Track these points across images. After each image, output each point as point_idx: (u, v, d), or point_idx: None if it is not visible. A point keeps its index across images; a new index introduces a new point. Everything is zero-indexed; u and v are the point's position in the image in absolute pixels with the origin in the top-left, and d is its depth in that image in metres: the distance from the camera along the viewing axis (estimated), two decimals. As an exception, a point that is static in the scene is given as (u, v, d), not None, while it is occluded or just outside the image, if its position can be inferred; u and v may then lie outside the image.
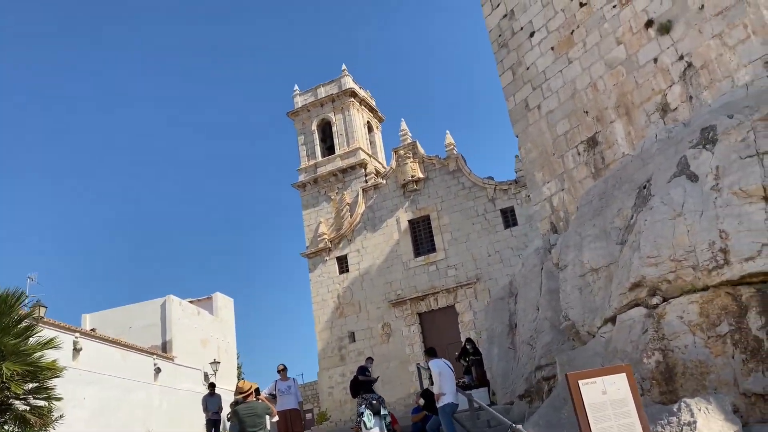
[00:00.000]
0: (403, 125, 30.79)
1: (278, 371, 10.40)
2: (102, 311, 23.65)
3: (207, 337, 25.61)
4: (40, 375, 10.10)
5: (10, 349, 9.65)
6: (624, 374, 4.42)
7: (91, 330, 19.23)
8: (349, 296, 29.50)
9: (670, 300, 6.52)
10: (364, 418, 9.44)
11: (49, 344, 10.48)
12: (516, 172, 27.76)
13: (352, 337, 28.94)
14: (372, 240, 29.79)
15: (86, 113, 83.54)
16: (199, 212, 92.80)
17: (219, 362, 24.73)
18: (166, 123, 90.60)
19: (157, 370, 21.13)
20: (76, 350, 17.66)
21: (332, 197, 31.60)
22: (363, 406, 9.80)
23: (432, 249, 28.52)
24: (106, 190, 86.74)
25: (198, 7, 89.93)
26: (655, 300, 6.66)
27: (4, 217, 72.96)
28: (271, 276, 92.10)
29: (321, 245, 30.54)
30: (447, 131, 29.75)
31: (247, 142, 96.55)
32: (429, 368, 8.67)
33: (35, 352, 10.19)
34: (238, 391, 8.10)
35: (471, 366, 14.45)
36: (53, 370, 10.40)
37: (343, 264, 30.21)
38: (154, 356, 21.28)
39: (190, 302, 25.77)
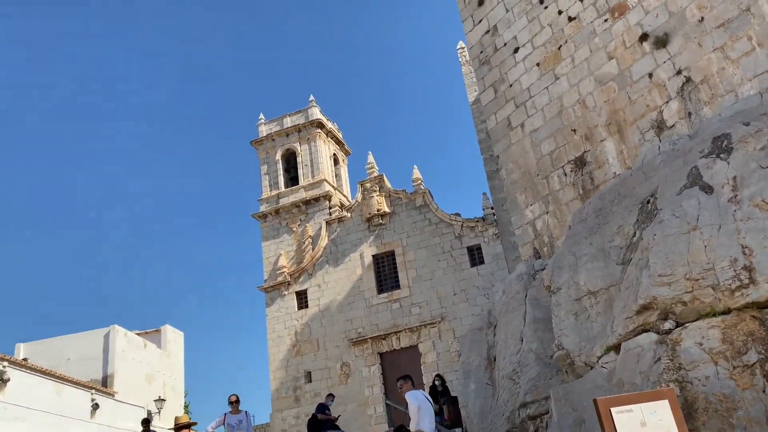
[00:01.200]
0: (370, 158, 30.15)
1: (229, 402, 9.15)
2: (38, 341, 21.79)
3: (153, 373, 23.84)
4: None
5: None
6: (666, 401, 3.57)
7: (23, 360, 17.46)
8: (307, 333, 28.14)
9: (686, 324, 5.73)
10: None
11: None
12: (483, 209, 27.27)
13: (308, 377, 27.46)
14: (334, 275, 28.66)
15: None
16: (151, 239, 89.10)
17: (164, 400, 22.97)
18: (134, 142, 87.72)
19: (95, 407, 19.33)
20: (3, 381, 15.90)
21: (294, 229, 30.48)
22: None
23: (396, 285, 27.54)
24: (59, 208, 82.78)
25: (164, 29, 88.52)
26: (667, 324, 5.85)
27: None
28: (225, 310, 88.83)
29: (280, 279, 29.25)
30: (414, 166, 29.27)
31: (208, 169, 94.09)
32: (406, 401, 7.59)
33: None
34: (175, 423, 7.15)
35: (442, 405, 13.40)
36: None
37: (302, 299, 28.93)
38: (93, 391, 19.50)
39: (137, 334, 24.04)
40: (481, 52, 12.12)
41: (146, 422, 12.51)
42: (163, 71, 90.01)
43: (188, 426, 7.52)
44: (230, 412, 9.02)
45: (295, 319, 28.58)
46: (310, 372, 27.46)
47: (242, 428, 8.66)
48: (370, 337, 26.77)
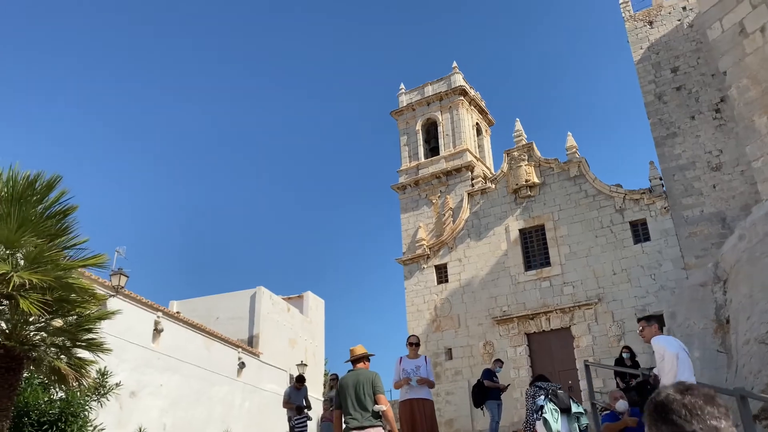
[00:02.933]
0: (518, 125, 28.07)
1: (408, 344, 7.83)
2: (189, 299, 22.18)
3: (296, 337, 23.61)
4: (76, 305, 6.86)
5: (32, 255, 6.42)
6: None
7: (176, 313, 17.57)
8: (447, 309, 26.77)
9: None
10: (545, 415, 6.65)
11: (94, 260, 6.99)
12: (650, 180, 24.31)
13: (449, 353, 26.11)
14: (476, 249, 27.02)
15: (183, 108, 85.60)
16: (293, 209, 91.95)
17: (306, 365, 22.62)
18: (265, 117, 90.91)
19: (242, 365, 19.20)
20: (157, 331, 15.94)
21: (434, 201, 29.18)
22: (542, 398, 7.01)
23: (546, 263, 25.37)
24: (203, 180, 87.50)
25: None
26: None
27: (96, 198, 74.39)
28: (364, 281, 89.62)
29: (419, 252, 28.08)
30: (569, 133, 26.73)
31: (347, 140, 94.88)
32: (654, 347, 5.81)
33: (69, 269, 6.76)
34: (351, 354, 6.36)
35: (631, 387, 11.35)
36: (93, 298, 7.06)
37: (442, 273, 27.58)
38: (240, 349, 19.39)
39: (281, 299, 23.90)
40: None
41: (300, 379, 11.73)
42: (312, 39, 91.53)
43: (365, 358, 6.36)
44: (407, 356, 7.69)
45: (434, 293, 27.32)
46: (450, 349, 26.10)
47: (421, 374, 7.26)
48: (516, 317, 24.89)
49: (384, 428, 6.18)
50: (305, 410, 11.71)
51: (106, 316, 7.20)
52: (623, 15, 26.94)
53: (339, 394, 6.23)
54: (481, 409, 11.58)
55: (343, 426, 6.03)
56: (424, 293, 27.55)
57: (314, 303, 26.32)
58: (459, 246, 27.40)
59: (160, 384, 15.65)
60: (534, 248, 25.95)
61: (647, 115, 25.04)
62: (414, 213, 29.45)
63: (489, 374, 11.27)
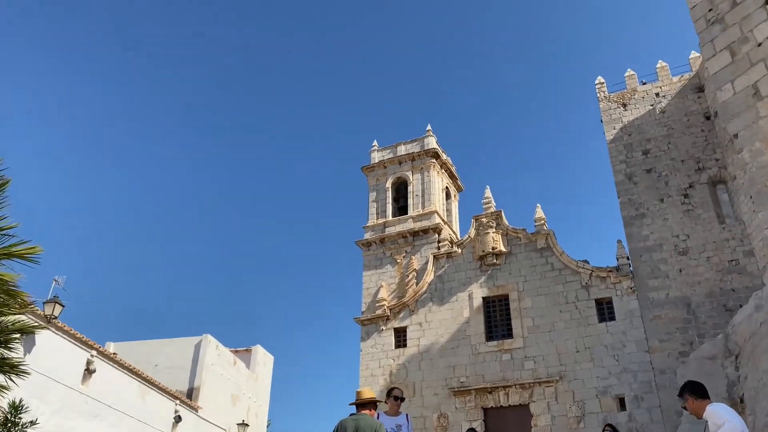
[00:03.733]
0: (488, 192, 27.85)
1: (391, 398, 6.71)
2: (128, 342, 20.44)
3: (239, 394, 21.92)
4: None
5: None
6: None
7: (113, 354, 15.94)
8: (403, 375, 25.50)
9: None
10: None
11: (25, 250, 5.95)
12: (617, 259, 24.12)
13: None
14: (438, 314, 26.10)
15: (146, 148, 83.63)
16: (249, 255, 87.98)
17: (248, 425, 20.89)
18: (228, 162, 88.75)
19: (178, 419, 17.48)
20: (89, 371, 14.33)
21: (398, 261, 28.35)
22: None
23: (508, 334, 24.58)
24: (159, 219, 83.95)
25: (273, 50, 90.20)
26: None
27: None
28: (317, 338, 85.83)
29: (379, 312, 26.98)
30: (538, 204, 26.59)
31: (313, 192, 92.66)
32: (713, 416, 4.90)
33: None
34: (357, 398, 5.76)
35: None
36: (13, 300, 5.86)
37: (400, 337, 26.45)
38: (178, 401, 17.68)
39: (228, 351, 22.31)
40: (710, 9, 9.75)
41: None
42: (284, 88, 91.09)
43: (372, 404, 5.53)
44: (386, 412, 6.56)
45: (391, 357, 26.08)
46: (402, 419, 24.63)
47: None
48: (474, 389, 23.79)
49: None
50: None
51: (27, 329, 5.93)
52: (598, 95, 27.49)
53: None
54: None
55: None
56: (380, 357, 26.27)
57: (263, 358, 24.75)
58: (420, 309, 26.44)
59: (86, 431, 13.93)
60: (497, 318, 25.19)
61: (617, 194, 25.13)
62: (377, 271, 28.51)
63: None
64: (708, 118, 24.88)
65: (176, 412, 17.53)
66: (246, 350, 24.08)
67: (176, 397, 17.70)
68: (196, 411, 18.75)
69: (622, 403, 21.68)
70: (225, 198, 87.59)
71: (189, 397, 18.96)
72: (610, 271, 23.80)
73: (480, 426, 23.32)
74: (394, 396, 6.34)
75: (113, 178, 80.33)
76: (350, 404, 5.94)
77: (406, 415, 6.18)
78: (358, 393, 5.87)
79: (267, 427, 25.64)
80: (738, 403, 7.34)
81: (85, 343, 14.43)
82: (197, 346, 19.97)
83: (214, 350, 20.32)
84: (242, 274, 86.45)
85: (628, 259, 23.76)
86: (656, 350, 21.86)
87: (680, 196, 23.94)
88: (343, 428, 5.48)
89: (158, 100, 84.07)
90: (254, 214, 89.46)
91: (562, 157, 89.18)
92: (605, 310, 23.45)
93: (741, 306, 21.33)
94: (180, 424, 17.60)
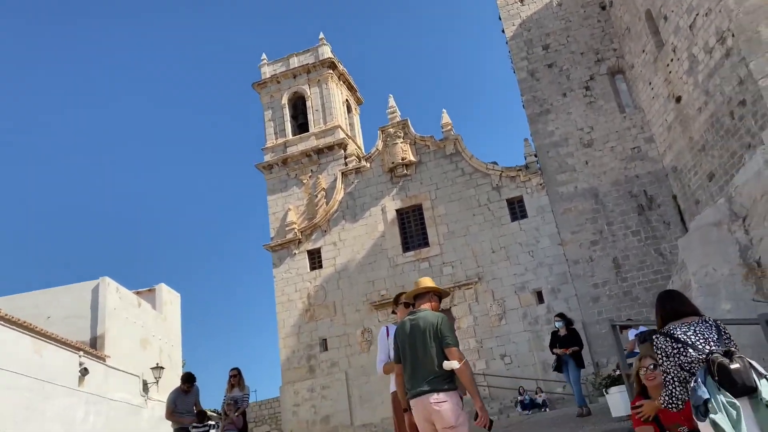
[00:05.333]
0: (391, 101, 26.75)
1: (396, 305, 5.61)
2: (12, 295, 18.02)
3: (148, 337, 20.26)
4: None
5: None
6: None
7: (-6, 310, 13.78)
8: (321, 297, 24.76)
9: None
10: (715, 417, 3.25)
11: None
12: (525, 157, 24.13)
13: (323, 344, 24.13)
14: (352, 231, 25.29)
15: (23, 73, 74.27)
16: (143, 192, 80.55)
17: (163, 368, 19.46)
18: (117, 88, 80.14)
19: (84, 372, 15.75)
20: (-31, 333, 12.24)
21: (304, 181, 26.98)
22: (700, 382, 3.49)
23: (424, 243, 24.29)
24: (33, 151, 74.80)
25: None
26: None
27: None
28: (226, 271, 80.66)
29: (289, 236, 25.77)
30: (443, 110, 25.89)
31: (204, 116, 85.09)
32: None
33: None
34: (415, 287, 4.79)
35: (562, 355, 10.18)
36: None
37: (315, 259, 25.51)
38: (81, 353, 15.89)
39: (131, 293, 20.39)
40: None
41: (189, 378, 9.13)
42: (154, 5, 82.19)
43: (434, 295, 4.90)
44: (396, 323, 5.56)
45: (307, 280, 25.17)
46: (325, 339, 24.12)
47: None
48: (395, 300, 23.47)
49: (459, 395, 4.32)
50: (207, 417, 9.00)
51: None
52: (495, -10, 26.60)
53: (395, 347, 4.63)
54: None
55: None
56: (295, 281, 25.28)
57: (169, 297, 23.01)
58: (333, 229, 25.49)
59: (-27, 402, 12.03)
60: (412, 228, 24.77)
61: (521, 91, 24.86)
62: (282, 194, 27.02)
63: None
64: (603, 8, 24.81)
65: (81, 364, 15.76)
66: (149, 290, 22.21)
67: (79, 349, 15.87)
68: (104, 360, 17.03)
69: (540, 297, 22.21)
70: (113, 128, 79.72)
71: (93, 346, 17.15)
72: (519, 170, 23.82)
73: (405, 336, 23.22)
74: (404, 303, 5.23)
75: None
76: (402, 300, 4.92)
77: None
78: (416, 283, 5.01)
79: (182, 367, 24.24)
80: (756, 268, 6.97)
81: (-43, 301, 12.26)
82: (95, 291, 17.95)
83: (114, 293, 18.39)
84: (136, 210, 79.83)
85: (535, 156, 23.82)
86: (569, 242, 22.37)
87: (582, 89, 24.03)
88: (404, 331, 4.54)
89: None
90: (144, 144, 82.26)
91: (463, 59, 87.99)
92: (517, 209, 23.59)
93: (645, 191, 22.14)
94: (87, 377, 15.88)
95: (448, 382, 4.18)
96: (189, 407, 9.10)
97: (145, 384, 18.96)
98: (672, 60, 20.38)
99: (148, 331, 20.32)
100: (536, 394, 19.34)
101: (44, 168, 74.63)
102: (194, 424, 8.64)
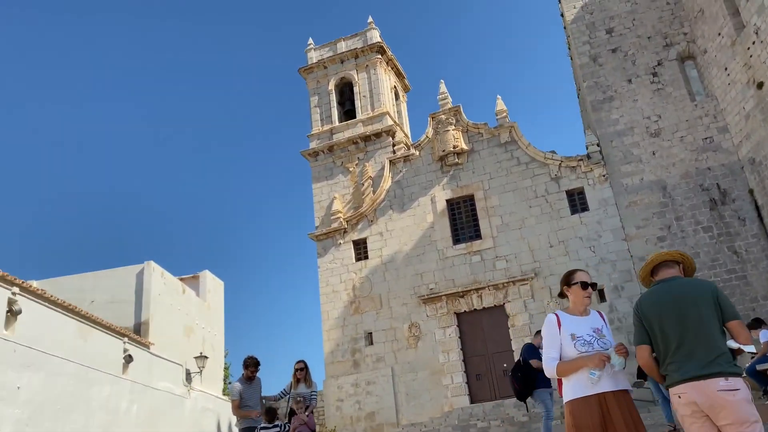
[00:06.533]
0: (443, 87, 25.61)
1: (574, 285, 4.00)
2: (55, 278, 17.50)
3: (192, 325, 19.59)
4: None
5: None
6: None
7: (40, 290, 13.12)
8: (367, 288, 23.82)
9: None
10: None
11: None
12: (587, 147, 22.77)
13: (369, 338, 23.21)
14: (399, 222, 24.27)
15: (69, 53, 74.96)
16: (188, 178, 79.43)
17: (207, 357, 18.78)
18: (159, 72, 78.76)
19: (128, 359, 15.07)
20: (13, 313, 11.60)
21: (350, 169, 26.06)
22: None
23: (476, 235, 23.15)
24: (82, 140, 73.89)
25: None
26: None
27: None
28: (270, 260, 78.81)
29: (335, 225, 24.89)
30: (498, 96, 24.63)
31: (250, 100, 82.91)
32: None
33: None
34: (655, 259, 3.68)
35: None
36: None
37: (361, 249, 24.59)
38: (126, 339, 15.21)
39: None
40: None
41: (253, 364, 8.20)
42: None
43: (680, 264, 3.72)
44: (567, 309, 4.42)
45: (352, 271, 24.26)
46: (371, 333, 23.19)
47: (609, 343, 4.10)
48: (444, 295, 22.45)
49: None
50: (277, 415, 8.03)
51: None
52: (555, -28, 25.26)
53: (643, 325, 3.60)
54: (525, 402, 8.53)
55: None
56: (340, 272, 24.40)
57: (212, 285, 22.34)
58: (380, 218, 24.51)
59: (17, 386, 11.36)
60: (463, 220, 23.65)
61: (582, 77, 23.50)
62: (328, 182, 26.16)
63: (534, 352, 8.27)
64: (674, -11, 23.27)
65: (125, 351, 15.06)
66: (193, 277, 21.56)
67: (124, 335, 15.18)
68: (148, 348, 16.35)
69: (602, 295, 20.90)
70: (162, 114, 79.70)
71: (137, 333, 16.48)
72: (581, 160, 22.49)
73: (454, 332, 22.17)
74: (582, 282, 3.96)
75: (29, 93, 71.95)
76: (645, 269, 3.90)
77: (599, 312, 3.95)
78: (658, 255, 3.84)
79: (224, 357, 23.59)
80: None
81: (3, 280, 11.58)
82: (139, 276, 17.28)
83: (159, 278, 17.71)
84: (182, 196, 79.37)
85: (598, 145, 22.46)
86: (634, 237, 21.00)
87: (649, 75, 22.57)
88: (658, 302, 3.53)
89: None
90: (190, 130, 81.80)
91: (518, 45, 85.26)
92: (577, 201, 22.29)
93: (718, 185, 20.63)
94: (131, 364, 15.19)
95: (736, 365, 3.24)
96: (255, 400, 8.20)
97: (188, 373, 18.27)
98: (754, 43, 18.85)
99: (192, 318, 19.65)
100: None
101: (90, 154, 75.27)
102: (263, 425, 7.69)
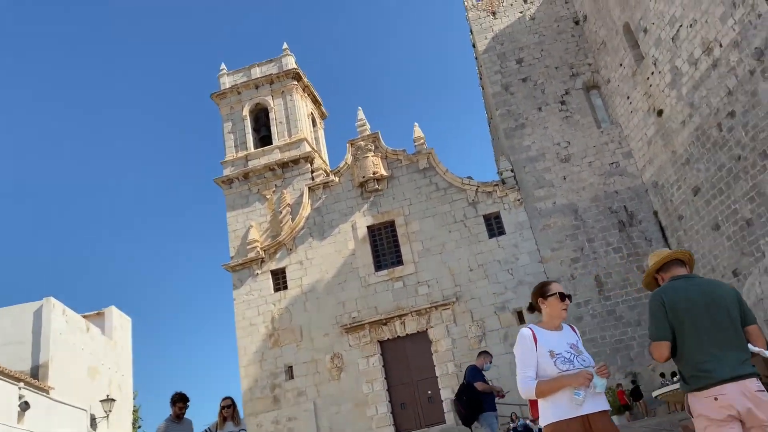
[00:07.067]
0: (361, 114, 25.61)
1: (550, 296, 3.80)
2: (-65, 320, 15.65)
3: (97, 365, 18.08)
4: None
5: None
6: None
7: None
8: (287, 320, 23.03)
9: None
10: None
11: None
12: (501, 173, 23.33)
13: (289, 372, 22.34)
14: (320, 250, 23.76)
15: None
16: (93, 207, 74.77)
17: (114, 400, 17.33)
18: (64, 98, 74.27)
19: (24, 406, 13.56)
20: None
21: (268, 197, 25.34)
22: None
23: (398, 261, 23.03)
24: None
25: None
26: None
27: None
28: (182, 294, 75.08)
29: (251, 255, 24.01)
30: (415, 123, 24.89)
31: (160, 127, 79.39)
32: None
33: None
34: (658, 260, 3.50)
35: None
36: None
37: (279, 279, 23.81)
38: (21, 384, 13.72)
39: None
40: None
41: (181, 400, 7.44)
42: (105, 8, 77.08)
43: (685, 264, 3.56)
44: (540, 324, 3.97)
45: (271, 303, 23.41)
46: (291, 366, 22.35)
47: (587, 360, 3.63)
48: (368, 323, 22.07)
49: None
50: None
51: None
52: (465, 4, 26.07)
53: (668, 319, 3.26)
54: (470, 428, 8.13)
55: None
56: (258, 303, 23.47)
57: (119, 321, 20.84)
58: (300, 247, 23.89)
59: None
60: (384, 246, 23.48)
61: (495, 105, 24.21)
62: (244, 210, 25.28)
63: (478, 374, 7.94)
64: (577, 23, 24.59)
65: (21, 397, 13.56)
66: (98, 314, 19.99)
67: (19, 379, 13.69)
68: (47, 392, 14.83)
69: (520, 317, 21.21)
70: (64, 136, 74.26)
71: (35, 376, 14.94)
72: (496, 185, 23.00)
73: (378, 360, 21.77)
74: (560, 293, 3.65)
75: None
76: (655, 266, 3.54)
77: (571, 326, 3.64)
78: (656, 255, 3.65)
79: (133, 399, 21.92)
80: None
81: None
82: (38, 314, 15.75)
83: (60, 316, 16.23)
84: (84, 227, 74.35)
85: (512, 171, 23.07)
86: (549, 259, 21.58)
87: (557, 103, 23.57)
88: (685, 297, 3.27)
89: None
90: (93, 155, 76.74)
91: (433, 75, 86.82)
92: (494, 225, 22.70)
93: (625, 207, 21.64)
94: (28, 412, 13.68)
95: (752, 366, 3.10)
96: None
97: (93, 418, 16.74)
98: (653, 73, 20.11)
99: (98, 358, 18.15)
100: (531, 421, 18.15)
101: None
102: None
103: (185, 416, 7.50)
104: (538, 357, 3.36)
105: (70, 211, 73.55)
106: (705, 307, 3.20)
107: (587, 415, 3.22)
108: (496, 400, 7.98)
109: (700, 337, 3.14)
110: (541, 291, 3.63)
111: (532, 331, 3.48)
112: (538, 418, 3.48)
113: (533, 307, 3.71)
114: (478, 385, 7.66)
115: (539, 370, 3.35)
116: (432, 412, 21.02)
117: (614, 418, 18.23)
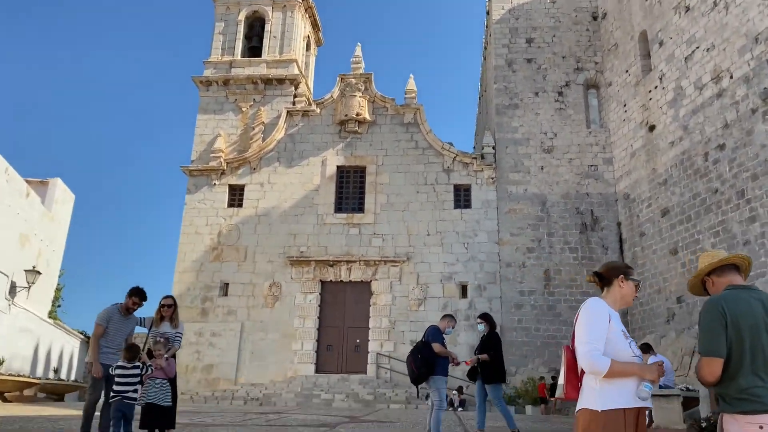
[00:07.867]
0: (358, 50, 24.73)
1: (617, 277, 3.36)
2: None
3: (29, 234, 17.23)
4: None
5: None
6: None
7: None
8: (234, 237, 22.48)
9: None
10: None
11: None
12: (482, 147, 23.04)
13: (224, 289, 21.95)
14: (284, 177, 23.14)
15: None
16: (62, 73, 72.23)
17: (40, 273, 16.62)
18: None
19: (-55, 257, 12.77)
20: None
21: (243, 109, 24.40)
22: None
23: (359, 208, 22.67)
24: None
25: None
26: None
27: None
28: (136, 185, 73.71)
29: (213, 164, 23.22)
30: (411, 75, 24.33)
31: (152, 16, 77.17)
32: None
33: None
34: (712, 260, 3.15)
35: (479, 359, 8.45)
36: None
37: (236, 195, 23.15)
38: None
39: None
40: None
41: (138, 294, 6.94)
42: None
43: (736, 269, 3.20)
44: (603, 298, 3.59)
45: (222, 217, 22.77)
46: (228, 284, 21.94)
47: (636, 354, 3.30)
48: (314, 260, 21.77)
49: None
50: (139, 354, 6.68)
51: None
52: (492, -30, 25.19)
53: (726, 333, 2.91)
54: (417, 389, 7.84)
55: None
56: (209, 214, 22.80)
57: (62, 196, 19.89)
58: (264, 168, 23.19)
59: None
60: (349, 190, 23.05)
61: (494, 79, 23.73)
62: (216, 116, 24.29)
63: (438, 335, 7.63)
64: (595, 18, 24.15)
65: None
66: (41, 182, 19.00)
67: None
68: (-28, 249, 14.03)
69: (464, 291, 21.32)
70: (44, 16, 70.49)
71: (-39, 229, 14.07)
72: (474, 158, 22.73)
73: (316, 299, 21.57)
74: (634, 278, 3.23)
75: None
76: (709, 267, 3.11)
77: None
78: (710, 256, 3.26)
79: (59, 277, 21.13)
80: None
81: None
82: (-23, 166, 14.77)
83: (2, 173, 15.28)
84: (46, 89, 70.88)
85: (493, 148, 22.81)
86: (506, 243, 21.61)
87: (555, 93, 23.26)
88: (750, 313, 2.90)
89: None
90: (70, 29, 73.04)
91: (438, 31, 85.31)
92: (462, 197, 22.53)
93: (592, 211, 21.76)
94: (-53, 263, 12.90)
95: None
96: (122, 338, 6.97)
97: (13, 286, 16.01)
98: (656, 87, 19.97)
99: (31, 227, 17.28)
100: (455, 393, 18.39)
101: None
102: (119, 364, 6.47)
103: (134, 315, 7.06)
104: (610, 334, 3.01)
105: (46, 79, 70.06)
106: (766, 326, 2.88)
107: (640, 408, 2.95)
108: (450, 367, 7.81)
109: (756, 359, 2.84)
110: (626, 271, 3.25)
111: (601, 303, 3.13)
112: (569, 398, 3.13)
113: (601, 278, 3.29)
114: (435, 347, 7.44)
115: (609, 348, 2.98)
116: (356, 361, 21.08)
117: (528, 408, 18.66)
